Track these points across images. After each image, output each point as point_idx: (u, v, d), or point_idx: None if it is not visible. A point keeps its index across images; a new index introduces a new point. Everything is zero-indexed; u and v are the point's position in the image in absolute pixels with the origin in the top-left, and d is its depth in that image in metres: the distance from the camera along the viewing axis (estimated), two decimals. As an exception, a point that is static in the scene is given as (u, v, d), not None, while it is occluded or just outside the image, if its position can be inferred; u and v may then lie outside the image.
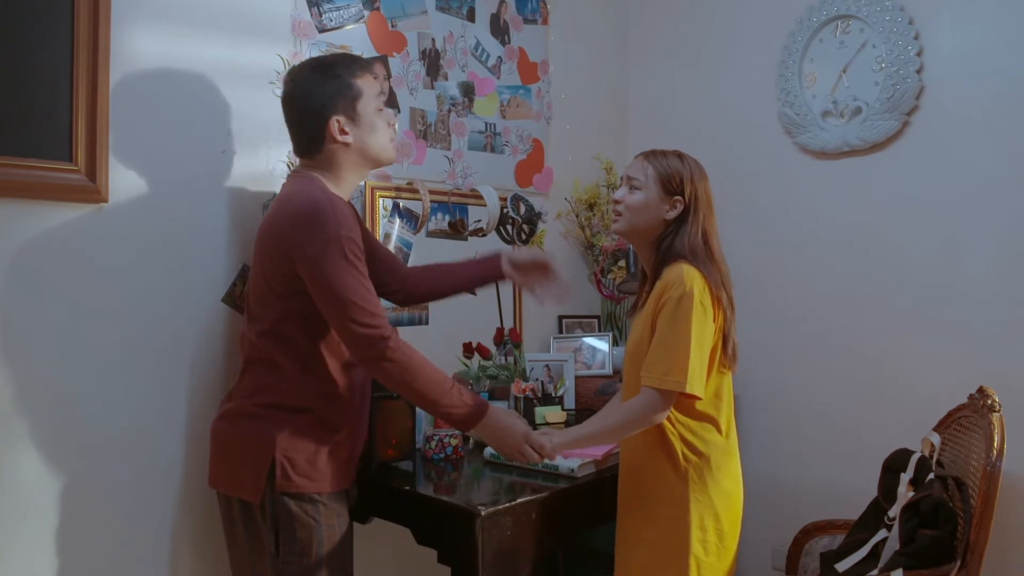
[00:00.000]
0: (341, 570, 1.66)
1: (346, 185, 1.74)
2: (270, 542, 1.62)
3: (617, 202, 1.77)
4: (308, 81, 1.69)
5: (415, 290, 2.01)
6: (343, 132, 1.67)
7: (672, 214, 1.72)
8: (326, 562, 1.62)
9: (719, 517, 1.69)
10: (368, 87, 1.71)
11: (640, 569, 1.72)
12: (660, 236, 1.73)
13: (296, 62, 2.06)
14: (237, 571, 1.73)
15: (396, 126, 1.82)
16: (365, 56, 2.20)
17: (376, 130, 1.72)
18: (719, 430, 1.71)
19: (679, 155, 1.76)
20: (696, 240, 1.69)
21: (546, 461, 1.80)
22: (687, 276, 1.63)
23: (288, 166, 2.06)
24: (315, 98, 1.67)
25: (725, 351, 1.69)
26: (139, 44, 1.79)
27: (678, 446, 1.67)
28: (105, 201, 1.73)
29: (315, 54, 2.11)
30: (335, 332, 1.62)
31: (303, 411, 1.64)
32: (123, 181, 1.77)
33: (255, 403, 1.66)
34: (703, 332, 1.61)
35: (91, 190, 1.70)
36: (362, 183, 2.16)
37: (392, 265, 1.99)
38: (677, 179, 1.72)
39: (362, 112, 1.69)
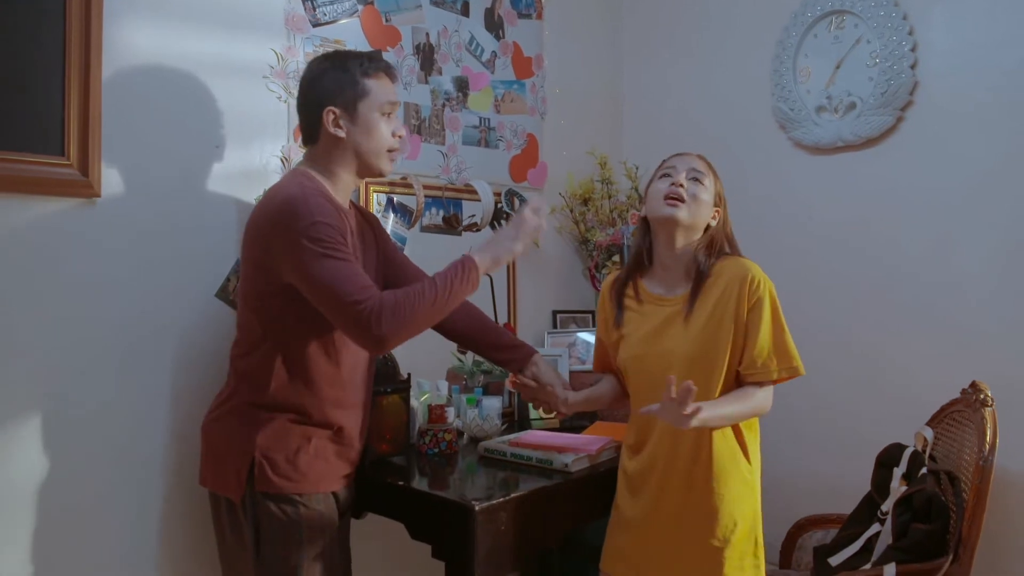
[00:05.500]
0: (325, 572, 1.63)
1: (342, 184, 1.70)
2: (250, 541, 1.61)
3: (680, 185, 1.69)
4: (317, 69, 1.69)
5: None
6: (336, 125, 1.65)
7: (712, 222, 1.75)
8: (307, 564, 1.60)
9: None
10: (378, 89, 1.67)
11: (713, 563, 1.66)
12: (697, 239, 1.73)
13: (289, 56, 2.07)
14: (227, 569, 1.73)
15: (404, 138, 1.75)
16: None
17: (373, 134, 1.67)
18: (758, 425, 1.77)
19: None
20: (723, 249, 1.76)
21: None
22: (755, 267, 1.69)
23: (282, 161, 2.06)
24: (317, 86, 1.66)
25: None
26: (132, 38, 1.78)
27: (750, 440, 1.72)
28: (97, 195, 1.72)
29: (308, 49, 2.11)
30: (334, 325, 1.58)
31: (284, 410, 1.62)
32: (115, 175, 1.76)
33: (239, 401, 1.65)
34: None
35: (83, 184, 1.69)
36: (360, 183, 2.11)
37: (416, 278, 1.87)
38: (721, 193, 1.78)
39: (362, 112, 1.66)
